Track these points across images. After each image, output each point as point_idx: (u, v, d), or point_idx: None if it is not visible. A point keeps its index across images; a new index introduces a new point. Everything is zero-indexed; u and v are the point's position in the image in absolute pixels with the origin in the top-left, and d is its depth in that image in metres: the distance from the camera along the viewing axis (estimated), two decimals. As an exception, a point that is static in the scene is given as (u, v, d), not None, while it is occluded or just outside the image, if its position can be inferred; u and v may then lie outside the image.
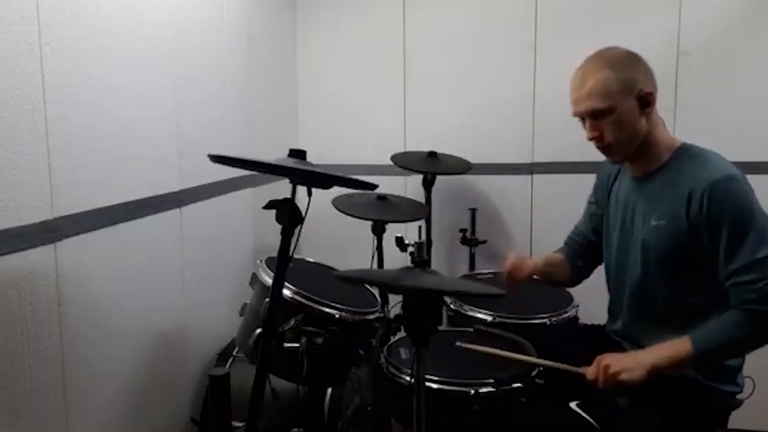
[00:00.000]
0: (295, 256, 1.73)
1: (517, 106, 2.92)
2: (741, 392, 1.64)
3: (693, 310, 1.58)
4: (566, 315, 2.14)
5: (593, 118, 1.62)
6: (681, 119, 2.67)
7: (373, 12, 3.06)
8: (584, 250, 1.94)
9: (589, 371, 1.56)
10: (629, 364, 1.52)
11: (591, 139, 1.66)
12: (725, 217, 1.50)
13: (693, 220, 1.54)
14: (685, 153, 1.64)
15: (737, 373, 1.64)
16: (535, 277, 1.91)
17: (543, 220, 2.94)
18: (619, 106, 1.58)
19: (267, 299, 1.60)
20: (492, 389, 1.65)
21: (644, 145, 1.64)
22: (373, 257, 2.54)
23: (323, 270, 2.21)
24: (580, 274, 1.96)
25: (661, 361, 1.52)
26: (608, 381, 1.52)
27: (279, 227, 1.49)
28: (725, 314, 1.51)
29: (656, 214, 1.62)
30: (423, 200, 2.76)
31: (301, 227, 1.50)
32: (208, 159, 1.51)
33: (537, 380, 1.71)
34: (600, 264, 1.90)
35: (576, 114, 1.66)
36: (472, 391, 1.64)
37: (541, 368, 1.74)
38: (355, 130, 3.13)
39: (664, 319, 1.64)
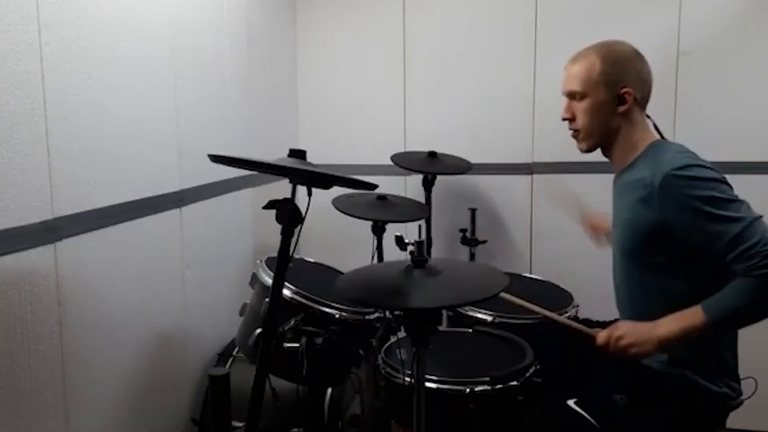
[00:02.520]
0: (295, 256, 1.73)
1: (517, 106, 2.92)
2: (738, 391, 1.64)
3: (675, 300, 1.56)
4: (566, 315, 2.14)
5: (570, 98, 1.72)
6: (681, 119, 2.67)
7: (373, 12, 3.06)
8: None
9: (601, 336, 1.59)
10: (641, 338, 1.54)
11: (564, 119, 1.75)
12: (694, 201, 1.48)
13: (657, 208, 1.54)
14: (651, 148, 1.66)
15: (734, 372, 1.64)
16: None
17: (543, 220, 2.93)
18: (592, 94, 1.67)
19: (267, 299, 1.60)
20: (488, 387, 1.65)
21: (616, 142, 1.70)
22: (373, 257, 2.54)
23: (323, 270, 2.21)
24: None
25: (674, 334, 1.53)
26: (618, 351, 1.56)
27: (279, 227, 1.49)
28: (734, 281, 1.48)
29: (625, 209, 1.66)
30: (423, 200, 2.76)
31: (301, 227, 1.50)
32: (208, 159, 1.51)
33: (534, 379, 1.71)
34: None
35: (562, 92, 1.75)
36: (468, 390, 1.64)
37: (537, 366, 1.74)
38: (355, 130, 3.13)
39: (652, 312, 1.64)
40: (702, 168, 1.52)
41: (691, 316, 1.51)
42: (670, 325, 1.53)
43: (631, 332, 1.56)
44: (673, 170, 1.51)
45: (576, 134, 1.74)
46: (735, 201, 1.49)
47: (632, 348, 1.54)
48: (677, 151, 1.59)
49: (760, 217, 1.48)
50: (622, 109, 1.65)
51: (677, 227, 1.52)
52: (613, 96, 1.64)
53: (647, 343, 1.54)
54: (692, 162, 1.53)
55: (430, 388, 1.64)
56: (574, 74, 1.69)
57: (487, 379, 1.66)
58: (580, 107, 1.69)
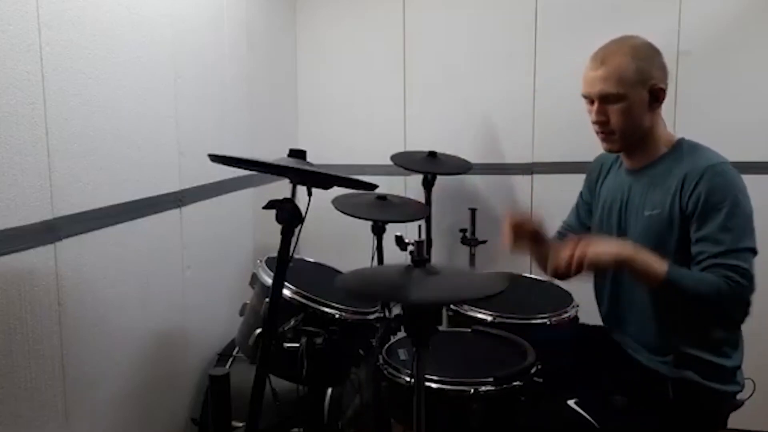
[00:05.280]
0: (295, 256, 1.73)
1: (517, 106, 2.92)
2: (741, 391, 1.64)
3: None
4: (566, 315, 2.13)
5: (603, 101, 1.62)
6: (681, 119, 2.67)
7: (373, 12, 3.06)
8: None
9: (567, 248, 1.54)
10: (606, 246, 1.52)
11: (595, 123, 1.66)
12: (720, 199, 1.51)
13: (685, 201, 1.55)
14: (682, 146, 1.66)
15: (737, 372, 1.64)
16: (535, 233, 1.84)
17: (543, 220, 2.93)
18: (631, 95, 1.59)
19: (267, 299, 1.60)
20: (492, 388, 1.65)
21: (644, 139, 1.66)
22: (373, 257, 2.54)
23: (323, 270, 2.21)
24: None
25: (634, 263, 1.50)
26: (579, 257, 1.50)
27: (279, 227, 1.49)
28: (707, 273, 1.50)
29: (650, 204, 1.64)
30: (423, 200, 2.76)
31: (301, 227, 1.50)
32: (208, 159, 1.51)
33: (536, 379, 1.71)
34: None
35: (586, 94, 1.66)
36: (472, 390, 1.64)
37: (539, 366, 1.74)
38: (355, 130, 3.13)
39: (654, 310, 1.64)
40: (738, 175, 1.56)
41: (657, 264, 1.50)
42: (637, 254, 1.51)
43: (599, 241, 1.53)
44: (716, 164, 1.54)
45: (609, 137, 1.65)
46: (748, 222, 1.52)
47: (592, 250, 1.49)
48: (715, 151, 1.62)
49: (756, 252, 1.52)
50: (656, 105, 1.62)
51: (694, 215, 1.54)
52: (646, 93, 1.60)
53: (607, 253, 1.50)
54: (731, 167, 1.56)
55: (433, 389, 1.64)
56: (605, 76, 1.59)
57: (491, 379, 1.66)
58: (616, 109, 1.60)
